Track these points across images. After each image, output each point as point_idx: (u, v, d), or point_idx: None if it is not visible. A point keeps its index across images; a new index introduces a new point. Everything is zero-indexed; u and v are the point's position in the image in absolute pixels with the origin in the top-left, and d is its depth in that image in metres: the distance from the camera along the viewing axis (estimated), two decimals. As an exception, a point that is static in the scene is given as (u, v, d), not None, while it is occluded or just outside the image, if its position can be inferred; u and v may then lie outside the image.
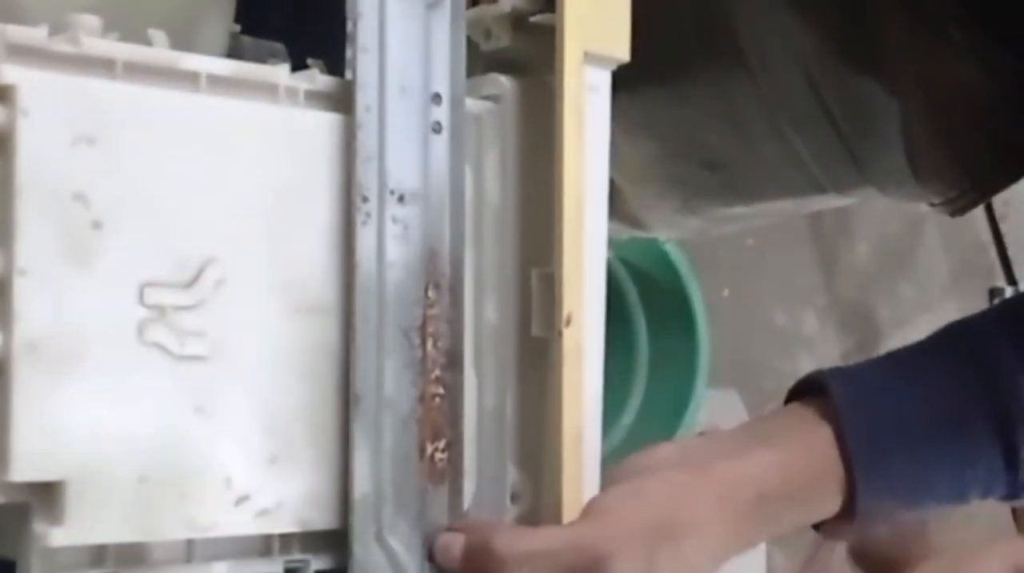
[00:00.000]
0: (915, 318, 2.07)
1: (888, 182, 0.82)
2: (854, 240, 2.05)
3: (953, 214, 0.82)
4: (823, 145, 0.81)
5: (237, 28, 0.60)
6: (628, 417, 1.68)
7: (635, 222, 0.95)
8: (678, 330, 1.66)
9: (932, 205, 0.83)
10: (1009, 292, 2.09)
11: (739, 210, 0.95)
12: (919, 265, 2.12)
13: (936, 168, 0.79)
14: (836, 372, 0.65)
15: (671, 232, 1.07)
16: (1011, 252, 2.10)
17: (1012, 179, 0.78)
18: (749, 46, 0.79)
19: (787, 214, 1.03)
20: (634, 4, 0.58)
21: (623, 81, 0.59)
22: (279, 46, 0.61)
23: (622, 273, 1.60)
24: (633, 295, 1.66)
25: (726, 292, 1.89)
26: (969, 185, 0.79)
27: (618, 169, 0.57)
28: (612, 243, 0.58)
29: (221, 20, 0.58)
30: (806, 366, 2.03)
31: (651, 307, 1.69)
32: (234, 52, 0.59)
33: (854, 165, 0.81)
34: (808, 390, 0.64)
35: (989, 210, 2.02)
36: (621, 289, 1.60)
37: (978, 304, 1.91)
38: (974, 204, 0.81)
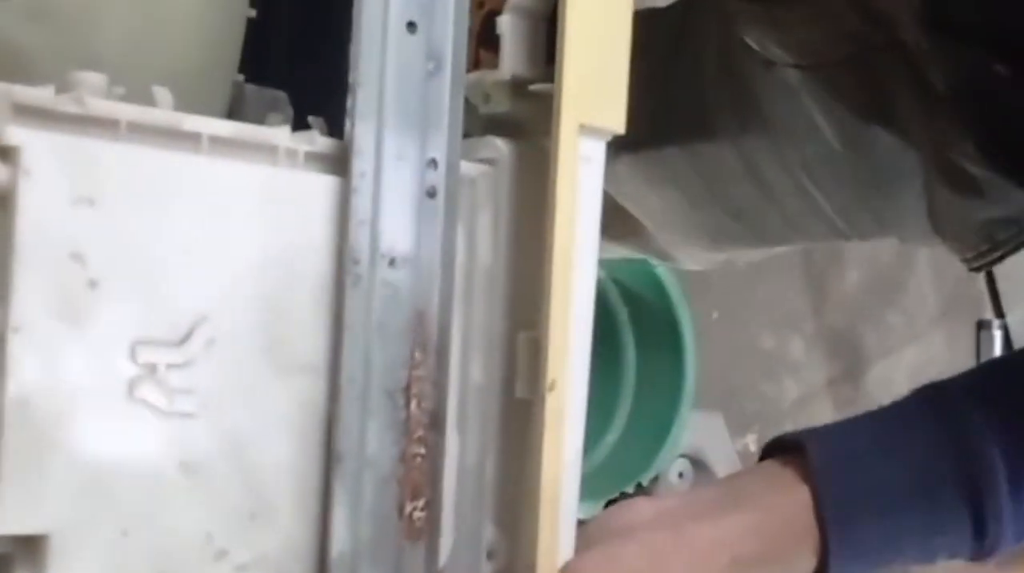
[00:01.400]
0: (901, 348, 2.09)
1: (911, 237, 0.84)
2: (844, 268, 2.06)
3: (972, 269, 0.84)
4: (846, 203, 0.83)
5: (240, 77, 0.61)
6: (612, 435, 1.69)
7: (664, 256, 0.97)
8: (666, 351, 1.66)
9: (963, 260, 0.85)
10: (997, 325, 2.10)
11: (765, 250, 0.97)
12: (908, 295, 2.13)
13: (957, 230, 0.80)
14: (813, 433, 0.66)
15: (699, 265, 1.09)
16: (1000, 286, 2.11)
17: (1021, 245, 0.80)
18: (771, 114, 0.81)
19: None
20: (660, 66, 0.59)
21: (647, 139, 0.60)
22: (281, 95, 0.62)
23: (613, 293, 1.61)
24: (623, 315, 1.67)
25: (715, 314, 1.90)
26: (988, 247, 0.81)
27: (646, 216, 0.59)
28: (604, 263, 0.59)
29: (225, 69, 0.59)
30: (791, 391, 2.05)
31: (640, 327, 1.70)
32: (236, 101, 0.60)
33: (877, 223, 0.83)
34: (784, 449, 0.66)
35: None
36: (611, 309, 1.60)
37: (965, 335, 1.92)
38: (994, 262, 0.83)
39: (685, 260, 1.01)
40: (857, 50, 0.75)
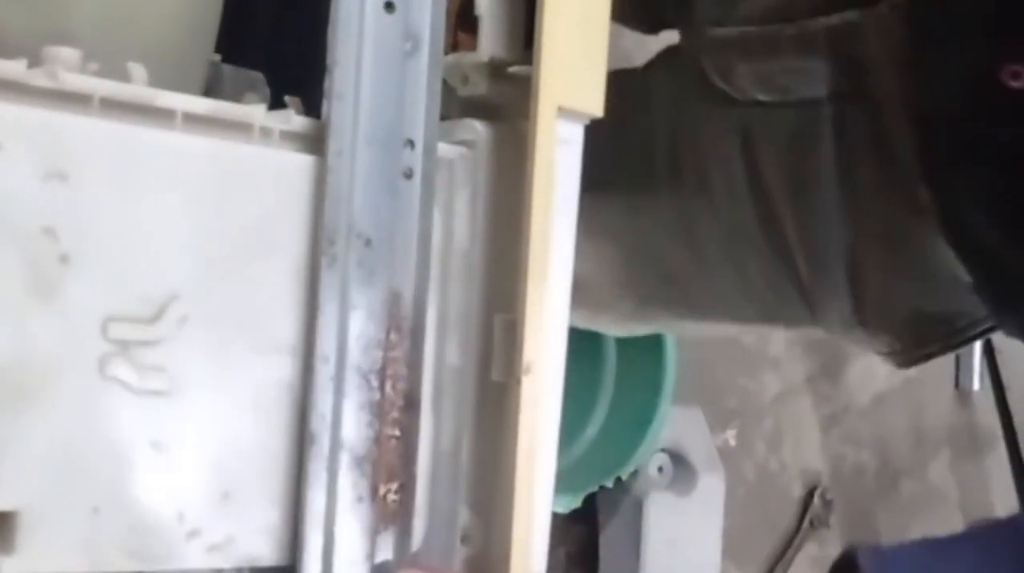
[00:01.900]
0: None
1: (836, 327, 0.80)
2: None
3: (899, 366, 0.81)
4: (778, 281, 0.79)
5: (217, 57, 0.60)
6: (592, 430, 1.69)
7: (587, 319, 0.93)
8: (646, 346, 1.67)
9: (879, 353, 0.81)
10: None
11: (689, 325, 0.94)
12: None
13: (880, 323, 0.78)
14: (874, 553, 0.65)
15: (620, 332, 1.06)
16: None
17: (950, 348, 0.77)
18: (715, 175, 0.79)
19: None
20: (612, 115, 0.58)
21: (592, 183, 0.60)
22: (258, 76, 0.62)
23: (594, 287, 1.61)
24: (603, 309, 1.67)
25: (696, 310, 1.90)
26: (911, 343, 0.78)
27: (579, 265, 0.58)
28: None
29: (202, 49, 0.59)
30: (771, 386, 2.05)
31: (621, 322, 1.70)
32: (213, 81, 0.60)
33: (805, 306, 0.80)
34: (844, 567, 0.65)
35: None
36: (592, 303, 1.61)
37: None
38: (917, 361, 0.79)
39: (609, 325, 0.97)
40: (825, 94, 0.71)
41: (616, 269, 0.88)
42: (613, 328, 0.99)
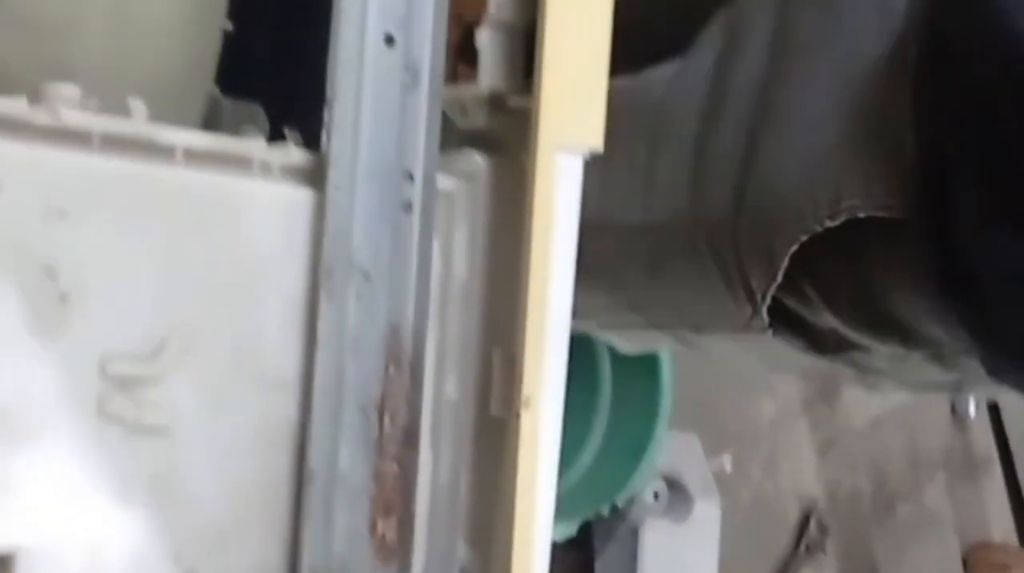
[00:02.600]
0: (877, 369, 2.09)
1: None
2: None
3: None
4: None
5: (216, 90, 0.60)
6: (587, 456, 1.69)
7: None
8: (641, 371, 1.67)
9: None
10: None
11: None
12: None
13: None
14: None
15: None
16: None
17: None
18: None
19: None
20: None
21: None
22: (257, 109, 0.61)
23: (590, 312, 1.61)
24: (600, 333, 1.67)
25: (692, 335, 1.90)
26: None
27: None
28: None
29: (201, 82, 0.59)
30: (767, 411, 2.05)
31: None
32: (212, 113, 0.60)
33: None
34: None
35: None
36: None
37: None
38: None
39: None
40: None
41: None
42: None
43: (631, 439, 1.69)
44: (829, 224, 0.69)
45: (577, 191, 0.59)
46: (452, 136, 0.60)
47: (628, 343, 1.08)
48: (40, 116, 0.47)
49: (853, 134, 0.71)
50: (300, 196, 0.53)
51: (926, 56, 0.68)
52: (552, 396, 0.58)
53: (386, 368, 0.55)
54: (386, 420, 0.55)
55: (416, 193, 0.55)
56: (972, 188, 0.65)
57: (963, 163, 0.65)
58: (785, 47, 0.77)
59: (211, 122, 0.60)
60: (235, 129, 0.60)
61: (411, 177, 0.55)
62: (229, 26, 0.60)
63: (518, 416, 0.56)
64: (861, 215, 0.68)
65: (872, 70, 0.71)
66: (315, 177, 0.54)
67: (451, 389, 0.58)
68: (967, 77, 0.66)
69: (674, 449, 1.75)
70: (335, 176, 0.53)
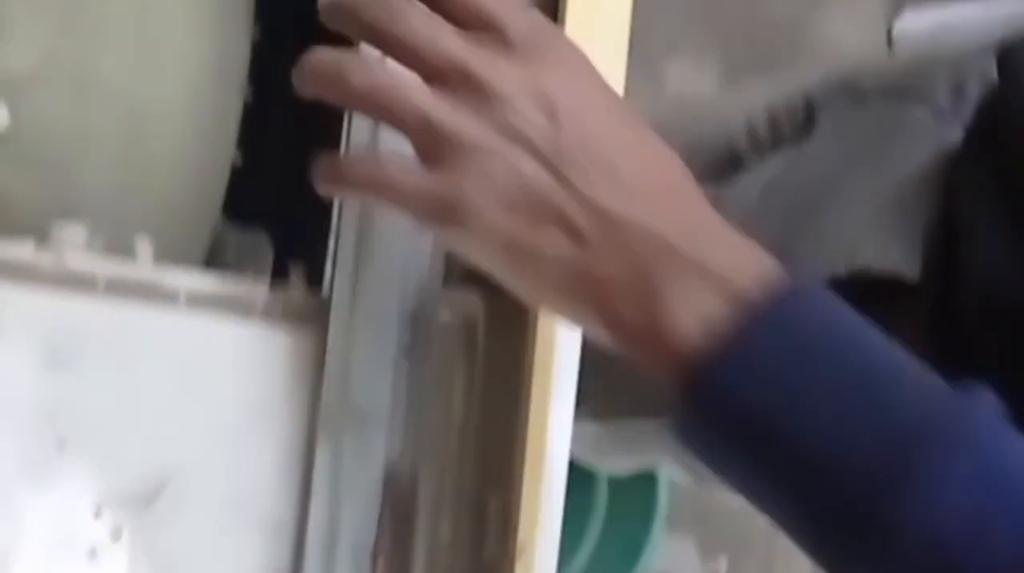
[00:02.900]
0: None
1: None
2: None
3: None
4: None
5: (222, 220, 0.61)
6: (581, 558, 1.67)
7: None
8: (637, 473, 1.66)
9: None
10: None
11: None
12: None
13: None
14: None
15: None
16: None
17: None
18: None
19: None
20: None
21: None
22: (262, 239, 0.62)
23: (587, 413, 1.60)
24: (596, 434, 1.66)
25: (689, 436, 1.89)
26: None
27: None
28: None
29: (208, 216, 0.59)
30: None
31: (613, 447, 1.69)
32: (217, 244, 0.60)
33: None
34: None
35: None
36: (585, 428, 1.60)
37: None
38: None
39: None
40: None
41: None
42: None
43: (626, 541, 1.67)
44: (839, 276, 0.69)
45: (579, 336, 0.59)
46: (453, 273, 0.60)
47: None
48: (46, 260, 0.47)
49: (878, 210, 0.73)
50: (301, 338, 0.53)
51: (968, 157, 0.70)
52: (548, 541, 0.58)
53: (380, 512, 0.54)
54: (379, 565, 0.54)
55: (417, 334, 0.56)
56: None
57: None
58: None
59: (216, 255, 0.60)
60: (239, 263, 0.61)
61: (412, 317, 0.55)
62: (239, 160, 0.60)
63: (512, 563, 0.56)
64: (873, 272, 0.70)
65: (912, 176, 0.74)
66: (317, 318, 0.54)
67: (445, 533, 0.58)
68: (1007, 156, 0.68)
69: (669, 552, 1.74)
70: (337, 319, 0.53)
